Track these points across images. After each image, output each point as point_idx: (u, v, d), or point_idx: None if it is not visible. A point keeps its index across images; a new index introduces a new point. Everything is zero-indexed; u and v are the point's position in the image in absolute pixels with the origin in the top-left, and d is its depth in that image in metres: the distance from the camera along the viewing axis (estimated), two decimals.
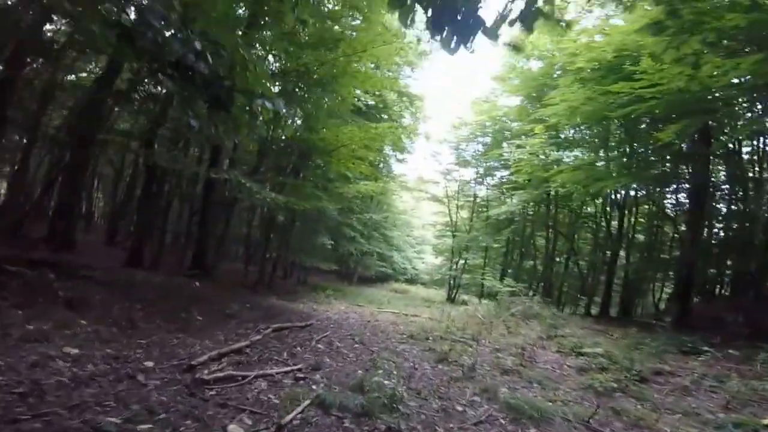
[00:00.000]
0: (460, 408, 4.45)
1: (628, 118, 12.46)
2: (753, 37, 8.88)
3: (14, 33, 9.01)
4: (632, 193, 17.10)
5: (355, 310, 13.19)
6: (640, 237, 18.49)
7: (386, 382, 4.62)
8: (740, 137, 12.90)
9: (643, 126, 14.87)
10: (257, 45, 11.42)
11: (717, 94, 10.79)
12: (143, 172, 15.34)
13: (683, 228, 15.62)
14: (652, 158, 15.23)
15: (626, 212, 17.15)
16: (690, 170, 14.62)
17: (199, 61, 3.63)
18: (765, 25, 8.18)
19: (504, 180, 24.29)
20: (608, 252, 17.30)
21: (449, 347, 7.16)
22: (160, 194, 14.74)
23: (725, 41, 8.74)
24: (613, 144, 16.98)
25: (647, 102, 10.86)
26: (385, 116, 21.02)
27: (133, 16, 4.58)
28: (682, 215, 16.34)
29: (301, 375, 4.90)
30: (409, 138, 23.54)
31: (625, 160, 15.51)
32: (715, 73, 9.01)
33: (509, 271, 22.74)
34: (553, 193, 18.88)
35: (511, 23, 3.00)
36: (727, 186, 15.34)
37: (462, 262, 25.95)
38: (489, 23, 2.91)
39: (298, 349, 6.35)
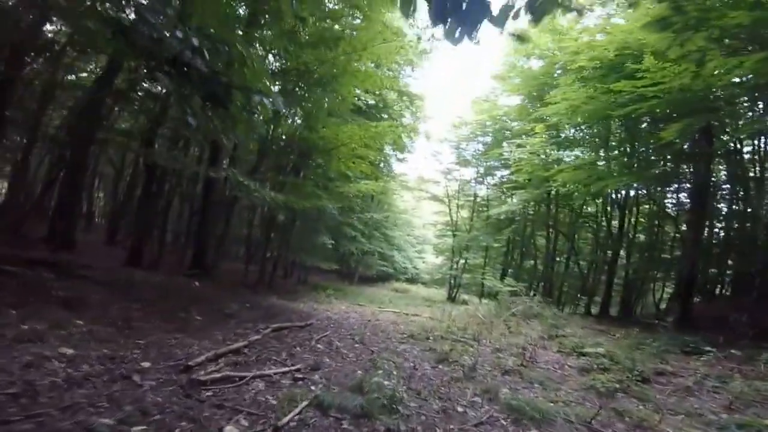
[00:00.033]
0: (460, 409, 4.39)
1: (629, 117, 12.41)
2: (755, 35, 8.83)
3: (14, 33, 8.97)
4: (633, 192, 17.06)
5: (355, 309, 13.15)
6: (641, 237, 18.41)
7: (386, 382, 4.58)
8: (742, 136, 12.83)
9: (644, 125, 14.85)
10: (257, 44, 11.37)
11: (719, 93, 10.75)
12: (143, 172, 15.31)
13: (684, 228, 15.55)
14: (653, 158, 15.19)
15: (627, 212, 17.09)
16: (691, 170, 14.56)
17: (195, 57, 3.57)
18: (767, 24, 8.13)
19: (504, 179, 24.25)
20: (609, 251, 17.25)
21: (450, 347, 7.11)
22: (160, 194, 14.71)
23: (728, 40, 8.69)
24: (614, 143, 16.94)
25: (649, 101, 10.81)
26: (386, 115, 21.00)
27: (132, 14, 4.56)
28: (684, 215, 16.27)
29: (300, 375, 4.84)
30: (409, 137, 23.50)
31: (625, 159, 15.45)
32: (715, 72, 8.98)
33: (510, 270, 22.71)
34: (553, 192, 18.84)
35: (515, 16, 2.93)
36: (728, 185, 15.28)
37: (462, 261, 25.95)
38: (495, 12, 2.81)
39: (298, 349, 6.29)
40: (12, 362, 3.69)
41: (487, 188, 27.08)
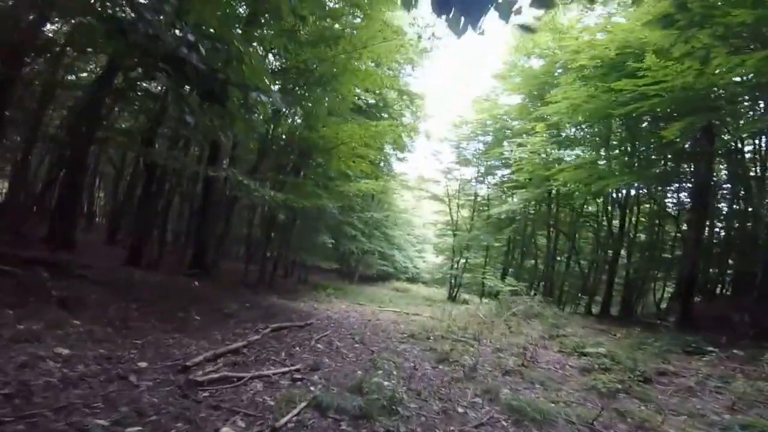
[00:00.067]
0: (461, 410, 4.35)
1: (630, 116, 12.37)
2: (757, 34, 8.78)
3: (14, 33, 8.94)
4: (633, 192, 17.00)
5: (355, 309, 13.12)
6: (642, 236, 18.37)
7: (386, 383, 4.54)
8: (743, 136, 12.78)
9: (645, 124, 14.80)
10: (256, 43, 11.34)
11: (720, 93, 10.71)
12: (144, 171, 15.28)
13: (685, 227, 15.51)
14: (654, 157, 15.16)
15: (627, 211, 17.04)
16: (692, 169, 14.52)
17: (191, 53, 3.53)
18: None
19: (505, 179, 24.18)
20: (609, 251, 17.20)
21: (450, 347, 7.07)
22: (160, 193, 14.68)
23: (730, 38, 8.64)
24: (614, 142, 16.88)
25: (650, 100, 10.76)
26: (386, 115, 20.95)
27: (129, 11, 4.51)
28: (684, 214, 16.23)
29: (299, 376, 4.80)
30: (409, 136, 23.46)
31: (626, 158, 15.40)
32: (716, 71, 8.93)
33: (510, 270, 22.66)
34: (554, 192, 18.80)
35: (518, 12, 2.85)
36: (729, 185, 15.23)
37: (463, 261, 25.94)
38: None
39: (297, 349, 6.26)
40: (7, 362, 3.65)
41: (488, 187, 27.04)
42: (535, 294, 14.44)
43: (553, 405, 4.68)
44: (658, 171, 14.88)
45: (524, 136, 18.85)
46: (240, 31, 9.27)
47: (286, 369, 4.96)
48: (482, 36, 3.04)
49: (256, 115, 7.66)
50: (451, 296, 24.41)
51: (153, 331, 5.76)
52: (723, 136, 12.81)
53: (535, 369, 6.51)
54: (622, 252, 17.18)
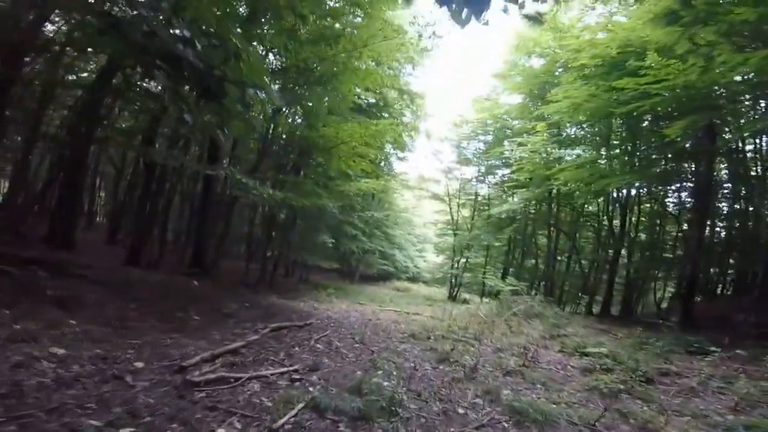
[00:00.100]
0: (461, 411, 4.30)
1: (631, 115, 12.32)
2: (760, 32, 8.72)
3: (14, 32, 8.90)
4: (634, 191, 16.95)
5: (356, 308, 13.08)
6: (642, 236, 18.30)
7: (386, 383, 4.50)
8: (744, 135, 12.72)
9: (646, 123, 14.75)
10: (256, 42, 11.30)
11: (720, 92, 10.65)
12: (144, 171, 15.25)
13: (686, 227, 15.46)
14: (654, 156, 15.10)
15: (628, 211, 16.98)
16: (693, 168, 14.47)
17: (188, 49, 3.48)
18: None
19: (505, 178, 24.13)
20: (610, 251, 17.13)
21: (451, 347, 7.02)
22: (160, 192, 14.65)
23: (733, 37, 8.58)
24: (615, 142, 16.82)
25: (652, 98, 10.71)
26: (386, 114, 20.92)
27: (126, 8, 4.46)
28: (685, 214, 16.17)
29: (298, 376, 4.75)
30: (409, 135, 23.43)
31: (627, 158, 15.34)
32: (718, 70, 8.86)
33: (511, 269, 22.63)
34: (554, 191, 18.73)
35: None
36: (730, 184, 15.17)
37: (463, 260, 25.91)
38: None
39: (296, 349, 6.21)
40: (2, 362, 3.62)
41: (488, 187, 27.01)
42: (535, 294, 14.40)
43: (554, 406, 4.63)
44: (659, 170, 14.82)
45: (525, 135, 18.77)
46: (239, 30, 9.23)
47: (285, 369, 4.91)
48: (486, 26, 2.97)
49: (253, 113, 7.60)
50: (451, 296, 24.38)
51: (151, 331, 5.72)
52: (724, 135, 12.76)
53: (537, 369, 6.46)
54: (623, 252, 17.11)
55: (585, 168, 14.61)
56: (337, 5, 12.66)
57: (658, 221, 17.57)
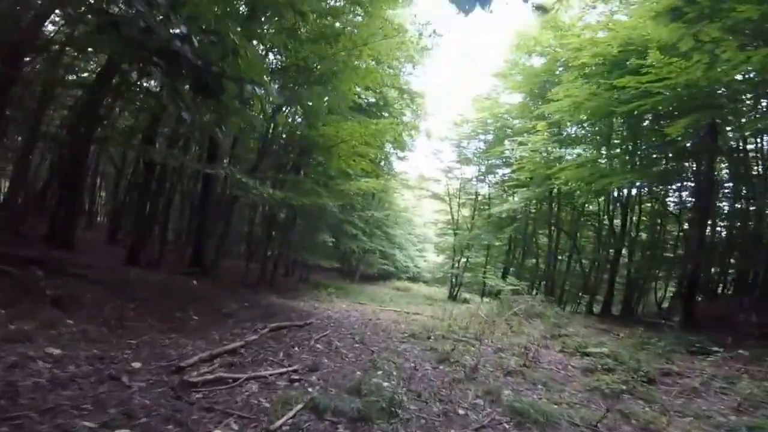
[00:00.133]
0: (462, 411, 4.25)
1: (632, 114, 12.28)
2: (762, 30, 8.68)
3: (14, 32, 8.88)
4: (635, 191, 16.91)
5: (356, 308, 13.03)
6: (643, 235, 18.27)
7: (385, 384, 4.45)
8: (746, 134, 12.68)
9: (647, 123, 14.71)
10: (255, 41, 11.26)
11: (722, 91, 10.61)
12: (144, 170, 15.23)
13: (687, 226, 15.42)
14: (655, 155, 15.07)
15: (629, 210, 16.94)
16: (694, 167, 14.43)
17: (184, 45, 3.43)
18: None
19: (506, 178, 24.16)
20: (611, 250, 17.11)
21: (451, 347, 6.97)
22: (160, 192, 14.63)
23: (735, 35, 8.54)
24: (616, 141, 16.79)
25: (654, 97, 10.68)
26: (386, 114, 20.91)
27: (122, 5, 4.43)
28: (686, 213, 16.13)
29: (297, 377, 4.70)
30: (409, 134, 23.43)
31: (628, 157, 15.31)
32: (721, 68, 8.81)
33: (511, 269, 22.62)
34: (555, 190, 18.70)
35: None
36: (731, 183, 15.12)
37: (464, 260, 25.91)
38: None
39: (296, 349, 6.16)
40: None
41: (489, 186, 27.00)
42: (536, 293, 14.37)
43: (555, 406, 4.58)
44: (659, 169, 14.79)
45: (525, 134, 18.77)
46: (239, 29, 9.18)
47: (284, 370, 4.86)
48: (491, 14, 2.89)
49: (253, 112, 7.55)
50: (451, 295, 24.35)
51: (149, 330, 5.66)
52: (725, 135, 12.72)
53: (537, 369, 6.41)
54: (624, 251, 17.08)
55: (586, 167, 14.59)
56: (337, 4, 12.64)
57: (659, 220, 17.55)
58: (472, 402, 4.58)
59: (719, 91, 10.78)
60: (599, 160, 15.70)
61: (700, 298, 13.33)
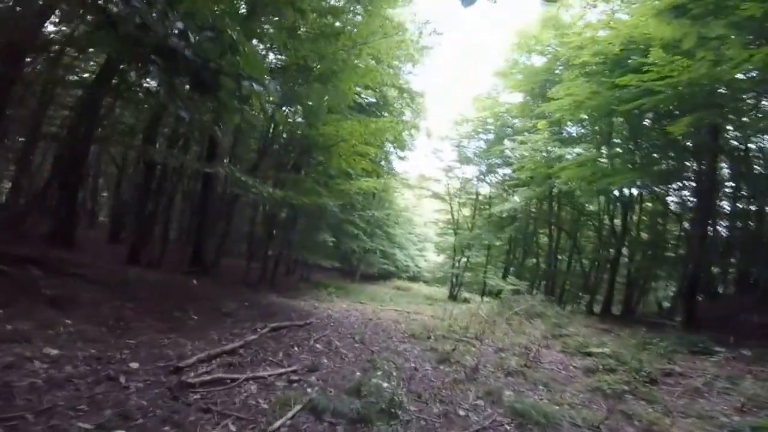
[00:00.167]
0: (462, 413, 4.22)
1: (633, 112, 12.22)
2: (764, 29, 8.61)
3: (14, 32, 8.84)
4: (635, 190, 16.85)
5: (356, 307, 12.99)
6: (644, 235, 18.22)
7: (385, 384, 4.42)
8: (748, 133, 12.63)
9: (648, 122, 14.65)
10: (255, 39, 11.22)
11: (722, 90, 10.56)
12: (144, 170, 15.21)
13: (688, 226, 15.37)
14: (656, 155, 15.01)
15: (630, 209, 16.90)
16: (695, 167, 14.38)
17: (182, 41, 3.40)
18: None
19: (506, 177, 24.14)
20: (611, 250, 17.06)
21: (452, 347, 6.93)
22: (160, 191, 14.59)
23: (740, 33, 8.48)
24: (617, 140, 16.73)
25: (655, 96, 10.61)
26: (386, 113, 20.84)
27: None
28: (687, 212, 16.08)
29: (296, 377, 4.66)
30: (409, 134, 23.39)
31: (628, 156, 15.25)
32: (725, 66, 8.76)
33: (512, 268, 22.60)
34: (556, 190, 18.66)
35: None
36: (732, 183, 15.07)
37: (464, 259, 25.88)
38: None
39: (295, 349, 6.12)
40: None
41: (489, 186, 26.97)
42: (536, 293, 14.33)
43: (557, 407, 4.55)
44: (660, 169, 14.73)
45: (526, 133, 18.74)
46: (238, 27, 9.15)
47: (283, 370, 4.82)
48: (494, 4, 2.85)
49: (253, 111, 7.51)
50: (452, 295, 24.32)
51: (148, 330, 5.62)
52: (728, 134, 12.67)
53: (538, 370, 6.38)
54: (624, 251, 17.04)
55: (586, 166, 14.54)
56: (337, 3, 12.60)
57: (660, 220, 17.51)
58: (473, 403, 4.54)
59: (720, 90, 10.73)
60: (600, 160, 15.63)
61: (701, 298, 13.29)
